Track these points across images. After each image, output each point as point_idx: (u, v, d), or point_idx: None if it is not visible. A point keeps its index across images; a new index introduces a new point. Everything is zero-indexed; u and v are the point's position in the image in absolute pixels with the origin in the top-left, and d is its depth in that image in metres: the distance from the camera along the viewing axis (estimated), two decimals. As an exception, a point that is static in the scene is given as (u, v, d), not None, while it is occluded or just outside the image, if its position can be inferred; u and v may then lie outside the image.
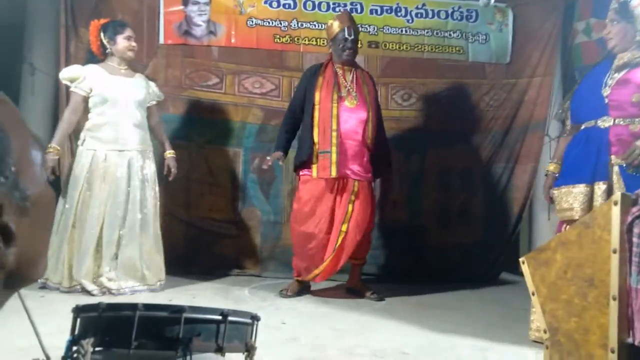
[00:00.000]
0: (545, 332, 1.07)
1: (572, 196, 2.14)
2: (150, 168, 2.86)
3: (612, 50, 2.24)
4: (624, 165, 2.07)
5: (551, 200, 2.38)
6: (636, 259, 0.88)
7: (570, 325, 1.00)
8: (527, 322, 2.23)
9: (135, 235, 2.71)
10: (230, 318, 1.19)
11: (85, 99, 2.76)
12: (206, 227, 3.61)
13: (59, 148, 2.72)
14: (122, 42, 2.78)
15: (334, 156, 2.85)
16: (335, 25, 2.99)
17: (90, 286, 2.62)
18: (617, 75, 2.16)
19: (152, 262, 2.79)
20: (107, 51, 2.81)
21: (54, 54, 3.52)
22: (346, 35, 2.94)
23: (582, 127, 2.27)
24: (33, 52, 3.56)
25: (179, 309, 1.08)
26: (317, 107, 2.91)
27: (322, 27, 3.75)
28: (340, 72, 2.98)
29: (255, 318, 1.29)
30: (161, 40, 3.60)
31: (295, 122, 3.04)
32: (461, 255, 3.71)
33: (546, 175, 2.53)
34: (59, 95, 3.49)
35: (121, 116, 2.74)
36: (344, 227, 2.83)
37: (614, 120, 2.13)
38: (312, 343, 2.13)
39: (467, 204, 3.83)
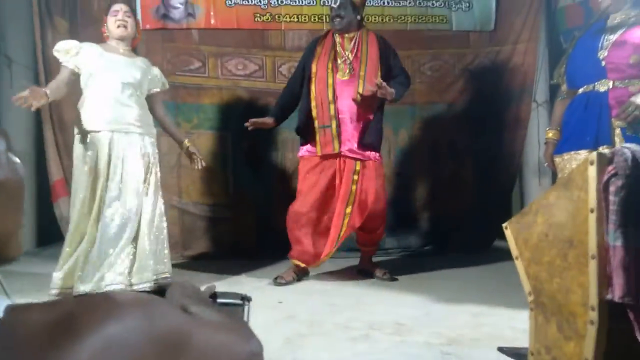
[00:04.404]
0: (529, 294, 1.09)
1: (576, 163, 2.13)
2: (150, 153, 2.59)
3: (606, 10, 2.21)
4: (624, 126, 2.07)
5: (554, 167, 2.37)
6: (613, 217, 0.89)
7: (553, 286, 1.01)
8: (521, 287, 2.27)
9: (128, 226, 2.45)
10: (219, 300, 1.20)
11: (74, 74, 2.49)
12: (199, 212, 3.62)
13: (45, 90, 2.31)
14: (110, 20, 2.59)
15: (334, 130, 2.72)
16: None
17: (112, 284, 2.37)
18: (613, 37, 2.13)
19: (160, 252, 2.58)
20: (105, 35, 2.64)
21: (31, 45, 3.45)
22: (332, 4, 2.81)
23: (580, 91, 2.25)
24: (8, 44, 3.48)
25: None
26: (313, 79, 2.77)
27: (302, 2, 3.69)
28: (339, 40, 2.82)
29: (245, 299, 1.30)
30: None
31: (292, 96, 2.88)
32: (454, 225, 3.74)
33: (546, 143, 2.50)
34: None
35: (113, 93, 2.48)
36: (347, 209, 2.71)
37: (613, 83, 2.11)
38: (308, 319, 2.16)
39: (458, 174, 3.84)
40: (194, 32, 3.64)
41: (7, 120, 3.55)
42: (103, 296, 0.48)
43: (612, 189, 0.89)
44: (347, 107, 2.74)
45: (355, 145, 2.74)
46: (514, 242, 1.12)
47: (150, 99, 2.69)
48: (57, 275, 2.39)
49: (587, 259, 0.91)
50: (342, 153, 2.74)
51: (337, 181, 2.77)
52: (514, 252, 1.12)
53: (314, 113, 2.76)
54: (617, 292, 0.88)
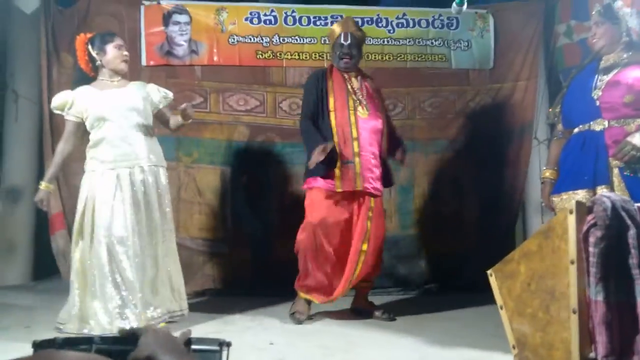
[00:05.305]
0: (513, 347, 1.04)
1: None
2: (161, 186, 2.57)
3: (599, 52, 2.24)
4: (622, 166, 2.05)
5: (552, 207, 2.34)
6: (593, 269, 0.85)
7: (536, 340, 0.96)
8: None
9: (144, 261, 2.42)
10: (194, 346, 1.15)
11: (79, 125, 2.52)
12: (196, 247, 3.59)
13: (48, 185, 2.54)
14: (112, 51, 2.54)
15: (357, 167, 2.68)
16: (335, 31, 2.85)
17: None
18: (606, 77, 2.15)
19: (162, 289, 2.53)
20: (97, 64, 2.56)
21: (37, 80, 3.54)
22: (342, 41, 2.77)
23: (575, 131, 2.25)
24: (15, 79, 3.57)
25: (137, 340, 1.04)
26: (332, 114, 2.73)
27: (303, 41, 3.77)
28: (346, 77, 2.81)
29: (224, 344, 1.25)
30: (143, 62, 3.60)
31: (315, 125, 2.79)
32: (455, 263, 3.66)
33: (543, 182, 2.48)
34: (42, 122, 3.50)
35: (119, 131, 2.46)
36: (364, 247, 2.66)
37: (608, 123, 2.12)
38: (298, 362, 2.09)
39: (459, 211, 3.79)
40: (196, 68, 3.71)
41: (10, 153, 3.61)
42: (42, 358, 0.45)
43: (591, 239, 0.85)
44: (368, 145, 2.74)
45: (373, 182, 2.74)
46: (498, 290, 1.08)
47: (159, 116, 2.68)
48: (105, 319, 2.32)
49: (570, 313, 0.87)
50: (363, 190, 2.70)
51: (355, 217, 2.72)
52: (499, 301, 1.08)
53: (337, 149, 2.70)
54: (600, 350, 0.83)
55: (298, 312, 2.72)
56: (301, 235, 2.74)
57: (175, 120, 2.73)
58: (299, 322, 2.67)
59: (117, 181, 2.44)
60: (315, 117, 2.80)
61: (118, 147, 2.46)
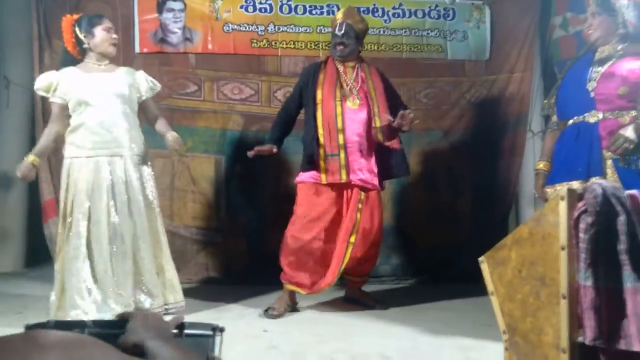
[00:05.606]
0: (504, 333, 1.05)
1: None
2: (144, 174, 2.51)
3: (595, 43, 2.23)
4: (616, 157, 2.06)
5: (545, 198, 2.35)
6: (583, 255, 0.86)
7: (526, 325, 0.98)
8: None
9: (127, 252, 2.38)
10: (186, 331, 1.15)
11: (65, 107, 2.44)
12: (190, 235, 3.59)
13: (35, 158, 2.41)
14: (101, 34, 2.45)
15: (342, 159, 2.67)
16: (334, 19, 2.85)
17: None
18: (601, 69, 2.15)
19: (152, 280, 2.47)
20: (84, 47, 2.47)
21: (29, 66, 3.50)
22: (336, 31, 2.77)
23: (570, 122, 2.25)
24: (7, 65, 3.53)
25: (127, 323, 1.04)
26: (319, 105, 2.71)
27: (299, 30, 3.74)
28: (341, 69, 2.80)
29: (217, 329, 1.25)
30: (137, 49, 3.57)
31: (288, 120, 2.86)
32: (449, 253, 3.68)
33: (536, 174, 2.49)
34: (34, 108, 3.47)
35: (101, 117, 2.38)
36: (352, 239, 2.65)
37: (603, 114, 2.13)
38: (292, 350, 2.11)
39: (453, 202, 3.80)
40: (190, 56, 3.68)
41: (1, 139, 3.58)
42: (22, 338, 0.45)
43: (582, 226, 0.86)
44: (357, 136, 2.71)
45: (362, 174, 2.71)
46: (489, 277, 1.09)
47: (143, 107, 2.60)
48: (83, 310, 2.28)
49: (559, 299, 0.88)
50: (352, 182, 2.69)
51: (344, 210, 2.71)
52: (490, 287, 1.09)
53: (321, 140, 2.70)
54: (588, 335, 0.84)
55: (272, 307, 2.68)
56: (288, 232, 2.72)
57: (161, 132, 2.63)
58: (270, 317, 2.62)
59: (96, 170, 2.37)
60: (293, 109, 2.85)
61: (97, 134, 2.39)
